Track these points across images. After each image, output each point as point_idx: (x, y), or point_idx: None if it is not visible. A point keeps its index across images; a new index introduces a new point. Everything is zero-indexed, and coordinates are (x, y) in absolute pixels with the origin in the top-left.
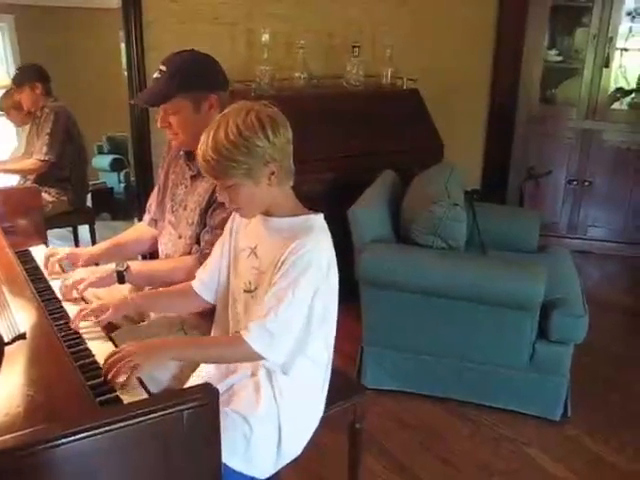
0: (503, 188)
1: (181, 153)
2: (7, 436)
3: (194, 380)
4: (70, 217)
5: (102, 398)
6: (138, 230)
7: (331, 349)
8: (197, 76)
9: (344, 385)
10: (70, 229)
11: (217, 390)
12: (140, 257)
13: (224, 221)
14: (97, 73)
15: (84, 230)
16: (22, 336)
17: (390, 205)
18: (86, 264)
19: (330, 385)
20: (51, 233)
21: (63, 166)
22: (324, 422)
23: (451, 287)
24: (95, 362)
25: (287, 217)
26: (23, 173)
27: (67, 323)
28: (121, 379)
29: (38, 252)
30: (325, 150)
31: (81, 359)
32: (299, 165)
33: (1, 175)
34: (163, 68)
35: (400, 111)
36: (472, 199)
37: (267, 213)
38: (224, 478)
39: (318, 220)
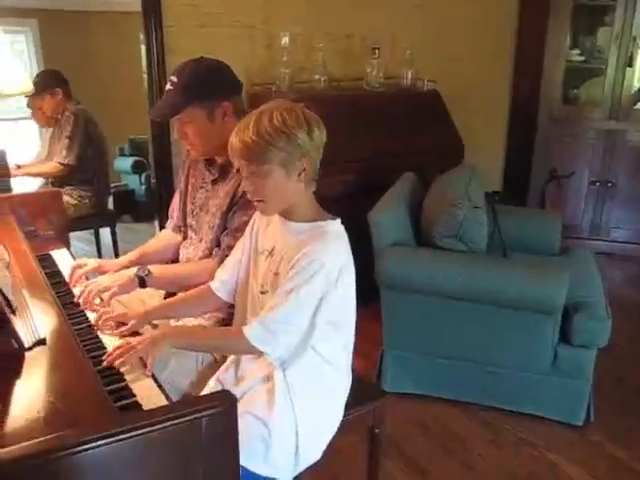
0: (525, 190)
1: (203, 157)
2: (27, 443)
3: (212, 385)
4: (91, 220)
5: (121, 403)
6: (163, 238)
7: (350, 354)
8: (208, 85)
9: (363, 389)
10: (92, 231)
11: (235, 397)
12: None
13: (245, 224)
14: (119, 76)
15: (106, 232)
16: (42, 341)
17: (410, 208)
18: None
19: (349, 389)
20: (73, 235)
21: (84, 169)
22: (343, 426)
23: (472, 291)
24: (114, 367)
25: (304, 222)
26: (44, 176)
27: (88, 327)
28: (125, 368)
29: (59, 256)
30: (345, 152)
31: (100, 364)
32: (320, 167)
33: (24, 178)
34: (174, 79)
35: (420, 113)
36: (493, 201)
37: (287, 216)
38: None
39: (334, 226)
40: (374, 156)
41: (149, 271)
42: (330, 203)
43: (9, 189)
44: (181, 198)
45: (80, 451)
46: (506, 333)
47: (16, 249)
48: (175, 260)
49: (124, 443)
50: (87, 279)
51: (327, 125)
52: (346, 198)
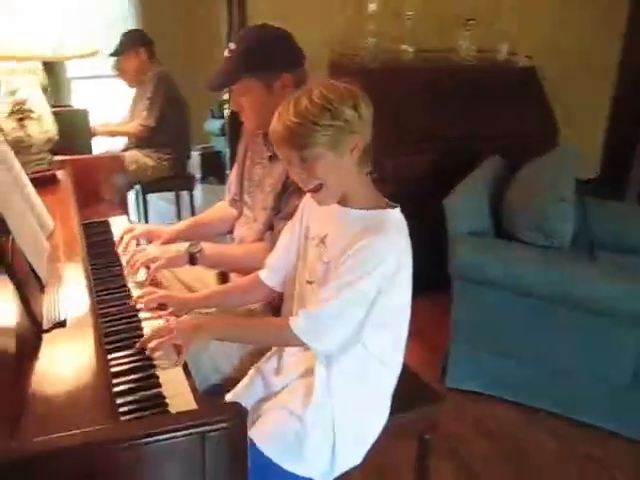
0: (623, 182)
1: (258, 131)
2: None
3: (251, 374)
4: (170, 182)
5: (122, 400)
6: (221, 209)
7: (402, 350)
8: (265, 55)
9: (417, 390)
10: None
11: (246, 410)
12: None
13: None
14: (209, 39)
15: (186, 194)
16: (62, 323)
17: (492, 194)
18: (166, 243)
19: (403, 389)
20: (157, 195)
21: (164, 131)
22: (394, 428)
23: (549, 290)
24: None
25: (362, 209)
26: (125, 136)
27: (124, 304)
28: (158, 354)
29: (118, 223)
30: (427, 130)
31: (114, 351)
32: (398, 145)
33: (107, 138)
34: (232, 46)
35: (514, 91)
36: (585, 191)
37: (343, 202)
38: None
39: (394, 215)
40: (458, 136)
41: (201, 248)
42: (407, 183)
43: (89, 149)
44: (239, 172)
45: (73, 457)
46: (584, 338)
47: (64, 215)
48: (230, 234)
49: (121, 453)
50: (138, 244)
51: (409, 99)
52: (424, 179)
